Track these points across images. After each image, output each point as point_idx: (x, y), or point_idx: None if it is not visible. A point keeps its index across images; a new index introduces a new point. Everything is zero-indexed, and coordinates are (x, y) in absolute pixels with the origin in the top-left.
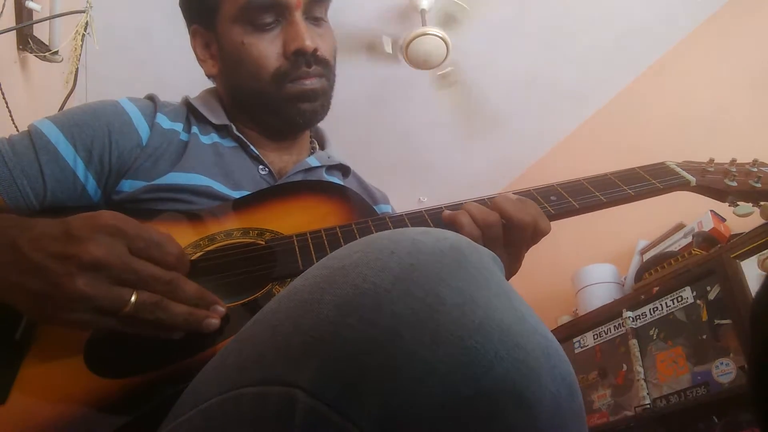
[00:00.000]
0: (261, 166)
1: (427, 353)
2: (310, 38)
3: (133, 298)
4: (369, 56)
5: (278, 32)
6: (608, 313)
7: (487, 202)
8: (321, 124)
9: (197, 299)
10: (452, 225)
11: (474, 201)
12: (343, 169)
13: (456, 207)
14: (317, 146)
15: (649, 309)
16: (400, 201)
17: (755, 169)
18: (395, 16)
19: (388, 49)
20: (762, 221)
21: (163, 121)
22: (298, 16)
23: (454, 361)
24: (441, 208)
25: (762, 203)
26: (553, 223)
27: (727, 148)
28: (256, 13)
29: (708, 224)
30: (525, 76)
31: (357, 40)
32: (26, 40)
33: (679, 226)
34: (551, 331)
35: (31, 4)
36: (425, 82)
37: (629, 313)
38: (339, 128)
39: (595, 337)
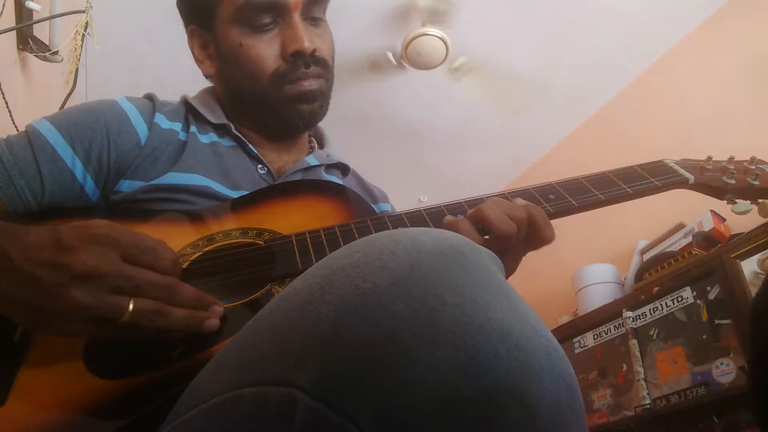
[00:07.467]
0: (260, 166)
1: (427, 353)
2: (308, 39)
3: (131, 306)
4: (376, 73)
5: (276, 33)
6: (608, 313)
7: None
8: (321, 123)
9: (195, 302)
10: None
11: (465, 201)
12: (343, 168)
13: (455, 207)
14: (316, 145)
15: (649, 309)
16: (400, 201)
17: (753, 167)
18: (393, 27)
19: (393, 60)
20: (761, 220)
21: (162, 120)
22: (297, 17)
23: (455, 361)
24: (440, 207)
25: (760, 200)
26: (553, 223)
27: (727, 148)
28: (253, 13)
29: (708, 224)
30: (524, 77)
31: (362, 64)
32: (26, 40)
33: (679, 226)
34: (551, 331)
35: (31, 4)
36: (425, 82)
37: (629, 313)
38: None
39: (595, 337)
